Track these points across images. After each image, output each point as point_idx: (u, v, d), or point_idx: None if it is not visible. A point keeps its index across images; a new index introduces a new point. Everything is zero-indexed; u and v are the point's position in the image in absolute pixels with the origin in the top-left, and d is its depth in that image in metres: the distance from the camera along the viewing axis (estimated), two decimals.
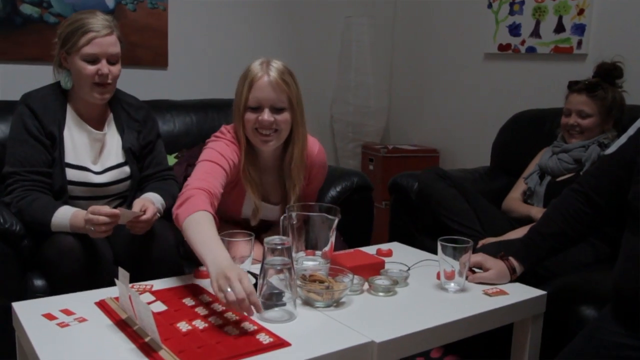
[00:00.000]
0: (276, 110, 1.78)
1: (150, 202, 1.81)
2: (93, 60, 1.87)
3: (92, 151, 1.97)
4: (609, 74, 2.30)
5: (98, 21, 1.88)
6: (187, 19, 3.25)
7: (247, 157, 1.84)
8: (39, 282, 1.86)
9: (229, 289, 1.25)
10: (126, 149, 2.01)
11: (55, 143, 1.90)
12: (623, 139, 2.01)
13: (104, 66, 1.88)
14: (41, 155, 1.87)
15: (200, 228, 1.48)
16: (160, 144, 2.12)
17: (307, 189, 2.01)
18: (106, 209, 1.67)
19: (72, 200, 1.91)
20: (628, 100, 2.35)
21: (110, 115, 2.02)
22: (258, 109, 1.77)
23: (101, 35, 1.87)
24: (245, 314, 1.26)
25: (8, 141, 1.93)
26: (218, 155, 1.77)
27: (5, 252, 1.80)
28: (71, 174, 1.91)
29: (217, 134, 1.87)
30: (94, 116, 1.99)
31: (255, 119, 1.77)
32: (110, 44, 1.90)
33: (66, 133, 1.93)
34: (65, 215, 1.74)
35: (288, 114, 1.80)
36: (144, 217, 1.74)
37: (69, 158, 1.92)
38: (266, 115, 1.76)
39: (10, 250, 1.81)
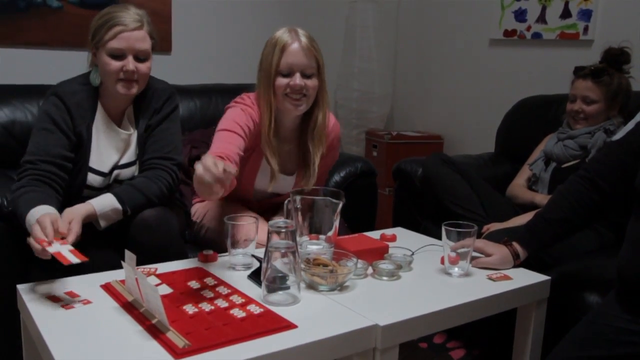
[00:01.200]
0: (306, 76, 1.83)
1: (78, 223, 1.58)
2: (119, 55, 1.79)
3: (117, 152, 1.91)
4: (616, 60, 2.28)
5: (128, 15, 1.80)
6: (191, 3, 3.24)
7: (273, 126, 1.87)
8: (41, 272, 1.86)
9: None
10: (140, 144, 1.93)
11: (82, 144, 1.85)
12: (630, 125, 2.00)
13: (129, 62, 1.79)
14: (63, 148, 1.79)
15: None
16: (164, 129, 1.94)
17: (321, 163, 2.00)
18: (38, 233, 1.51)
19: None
20: (635, 86, 2.33)
21: (130, 109, 1.94)
22: (289, 74, 1.82)
23: (129, 29, 1.78)
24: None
25: (33, 131, 1.85)
26: (232, 123, 1.81)
27: (8, 235, 1.81)
28: (90, 179, 1.88)
29: (237, 99, 1.91)
30: (120, 112, 1.92)
31: (287, 84, 1.82)
32: (138, 39, 1.80)
33: (94, 134, 1.87)
34: (32, 217, 1.58)
35: (316, 80, 1.86)
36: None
37: (92, 162, 1.87)
38: (298, 80, 1.81)
39: (13, 233, 1.81)
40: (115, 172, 1.92)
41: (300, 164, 1.99)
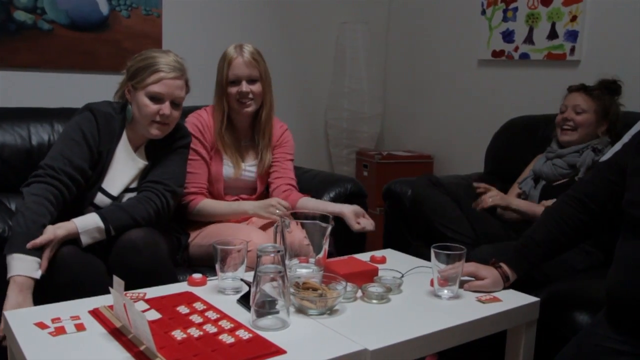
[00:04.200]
0: (251, 82, 2.20)
1: (54, 247, 1.69)
2: (158, 99, 1.89)
3: (130, 179, 1.97)
4: (608, 86, 2.35)
5: (170, 62, 1.91)
6: (181, 25, 3.26)
7: (224, 124, 2.25)
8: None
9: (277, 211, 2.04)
10: (146, 173, 2.00)
11: (99, 164, 1.91)
12: (618, 146, 2.03)
13: (166, 107, 1.90)
14: (85, 162, 1.87)
15: (213, 204, 2.20)
16: (168, 159, 2.02)
17: (278, 155, 2.37)
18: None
19: None
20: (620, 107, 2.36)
21: (146, 142, 2.02)
22: (236, 82, 2.19)
23: (170, 77, 1.90)
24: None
25: (59, 138, 1.93)
26: (192, 152, 2.18)
27: None
28: (98, 199, 1.93)
29: (192, 118, 2.27)
30: (139, 144, 2.01)
31: (237, 90, 2.19)
32: (178, 87, 1.93)
33: (115, 158, 1.95)
34: (11, 265, 1.63)
35: (260, 85, 2.23)
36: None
37: (105, 184, 1.93)
38: (244, 87, 2.19)
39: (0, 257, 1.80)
40: (123, 194, 1.97)
41: (256, 156, 2.35)
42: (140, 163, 1.99)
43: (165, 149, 2.03)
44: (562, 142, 2.35)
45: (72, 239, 1.75)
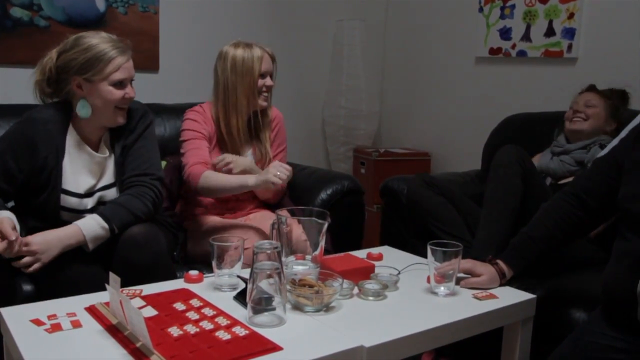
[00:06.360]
0: (271, 77, 2.31)
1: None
2: (121, 84, 1.87)
3: (92, 175, 1.93)
4: (616, 93, 2.39)
5: (116, 45, 1.86)
6: (179, 22, 3.25)
7: (231, 120, 2.27)
8: (27, 287, 1.85)
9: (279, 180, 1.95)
10: (118, 166, 1.95)
11: (51, 170, 1.85)
12: (615, 141, 2.03)
13: (131, 90, 1.90)
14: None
15: (217, 175, 2.13)
16: (140, 147, 1.97)
17: (274, 144, 2.42)
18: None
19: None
20: None
21: (106, 134, 1.97)
22: (263, 76, 2.26)
23: (126, 60, 1.88)
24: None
25: None
26: (196, 133, 2.24)
27: None
28: (66, 201, 1.88)
29: (191, 111, 2.31)
30: (97, 137, 1.96)
31: (263, 84, 2.27)
32: (132, 66, 1.92)
33: (66, 160, 1.89)
34: None
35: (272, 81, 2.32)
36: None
37: (67, 185, 1.88)
38: (268, 81, 2.29)
39: None
40: (99, 194, 1.93)
41: (253, 146, 2.36)
42: (97, 157, 1.93)
43: (131, 136, 1.97)
44: (571, 131, 2.35)
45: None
